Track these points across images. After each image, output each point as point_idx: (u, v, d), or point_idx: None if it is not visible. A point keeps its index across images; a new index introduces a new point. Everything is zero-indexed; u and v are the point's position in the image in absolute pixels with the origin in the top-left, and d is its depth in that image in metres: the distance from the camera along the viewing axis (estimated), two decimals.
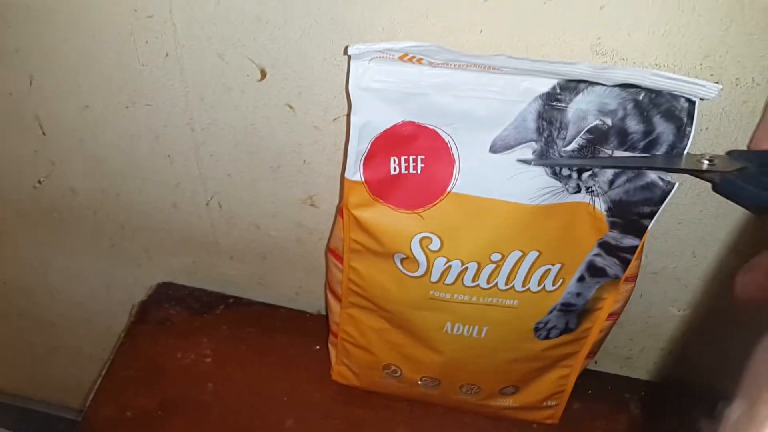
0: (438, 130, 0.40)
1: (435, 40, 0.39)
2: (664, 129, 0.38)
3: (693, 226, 0.48)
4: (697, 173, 0.37)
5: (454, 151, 0.40)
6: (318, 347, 0.61)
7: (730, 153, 0.38)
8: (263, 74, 0.46)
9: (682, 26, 0.37)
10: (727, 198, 0.37)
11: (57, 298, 0.76)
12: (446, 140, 0.40)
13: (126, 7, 0.44)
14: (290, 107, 0.48)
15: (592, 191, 0.41)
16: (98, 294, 0.73)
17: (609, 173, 0.40)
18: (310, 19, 0.42)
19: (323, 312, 0.65)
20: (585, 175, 0.40)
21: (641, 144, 0.38)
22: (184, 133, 0.52)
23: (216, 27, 0.44)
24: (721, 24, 0.37)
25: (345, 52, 0.38)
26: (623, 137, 0.38)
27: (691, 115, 0.37)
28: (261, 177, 0.54)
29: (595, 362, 0.61)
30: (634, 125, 0.38)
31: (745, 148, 0.41)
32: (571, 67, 0.36)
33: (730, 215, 0.47)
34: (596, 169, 0.40)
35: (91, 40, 0.47)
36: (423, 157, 0.41)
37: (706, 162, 0.37)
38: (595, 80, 0.36)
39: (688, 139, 0.38)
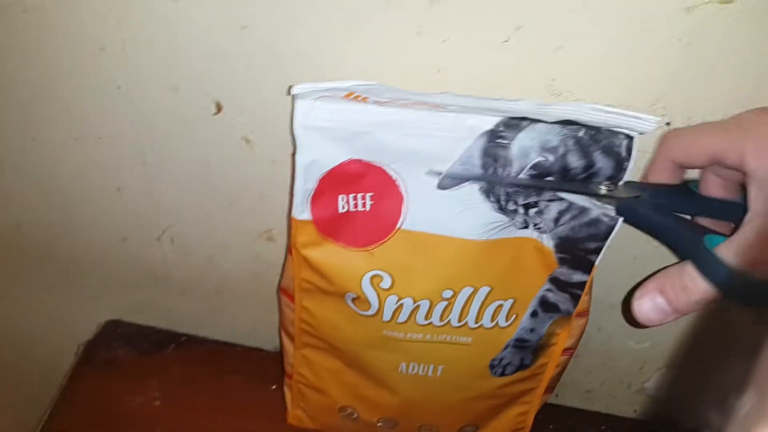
0: (386, 168, 0.40)
1: (394, 79, 0.39)
2: (603, 164, 0.39)
3: (648, 261, 0.49)
4: (597, 197, 0.39)
5: (402, 188, 0.40)
6: (274, 387, 0.59)
7: (626, 183, 0.39)
8: (219, 108, 0.45)
9: (633, 69, 0.38)
10: (626, 221, 0.39)
11: None
12: (394, 177, 0.40)
13: (79, 39, 0.43)
14: (247, 141, 0.47)
15: (539, 228, 0.41)
16: (42, 332, 0.70)
17: (554, 211, 0.40)
18: (270, 54, 0.41)
19: (280, 349, 0.63)
20: (531, 211, 0.41)
21: (582, 178, 0.39)
22: (136, 166, 0.50)
23: (170, 60, 0.43)
24: (671, 68, 0.38)
25: (289, 91, 0.37)
26: (565, 172, 0.39)
27: (629, 150, 0.38)
28: (216, 210, 0.52)
29: (556, 395, 0.61)
30: (575, 161, 0.39)
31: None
32: (514, 104, 0.36)
33: None
34: (542, 206, 0.40)
35: (42, 73, 0.46)
36: (372, 194, 0.41)
37: (604, 188, 0.39)
38: (536, 117, 0.37)
39: (625, 173, 0.39)
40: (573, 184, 0.39)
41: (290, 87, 0.36)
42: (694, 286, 0.34)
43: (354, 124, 0.38)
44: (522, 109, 0.37)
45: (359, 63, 0.41)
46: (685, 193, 0.40)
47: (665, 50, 0.37)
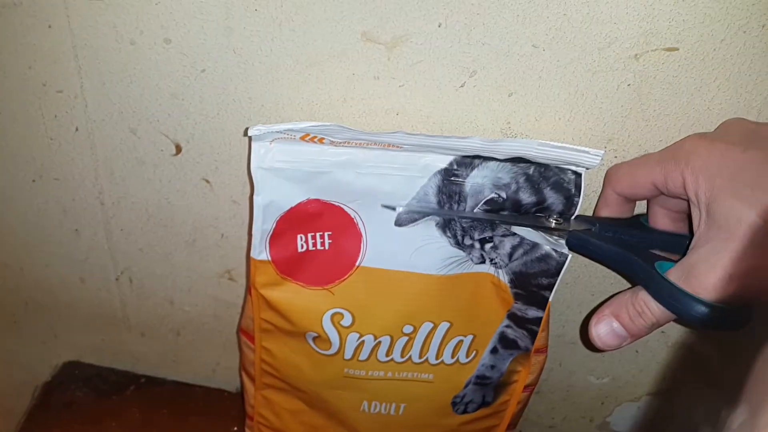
0: (344, 207, 0.40)
1: (353, 122, 0.40)
2: (554, 200, 0.40)
3: (605, 296, 0.50)
4: (546, 230, 0.40)
5: (360, 226, 0.41)
6: (236, 429, 0.58)
7: (577, 217, 0.40)
8: (178, 149, 0.45)
9: (585, 112, 0.39)
10: (576, 251, 0.40)
11: None
12: (352, 216, 0.41)
13: (34, 82, 0.43)
14: (207, 181, 0.47)
15: (495, 263, 0.42)
16: None
17: (508, 246, 0.41)
18: (227, 97, 0.42)
19: (242, 390, 0.62)
20: (487, 246, 0.41)
21: (534, 212, 0.40)
22: (94, 206, 0.50)
23: (129, 103, 0.43)
24: (621, 111, 0.39)
25: (245, 133, 0.38)
26: (517, 208, 0.40)
27: (578, 186, 0.39)
28: (175, 251, 0.52)
29: (520, 431, 0.61)
30: (526, 197, 0.40)
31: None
32: (465, 141, 0.37)
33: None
34: (497, 241, 0.41)
35: None
36: (330, 233, 0.41)
37: (554, 221, 0.40)
38: (486, 153, 0.38)
39: (575, 208, 0.40)
40: (524, 218, 0.40)
41: (246, 129, 0.37)
42: (648, 311, 0.35)
43: (310, 165, 0.39)
44: (473, 146, 0.37)
45: (316, 106, 0.41)
46: (635, 226, 0.40)
47: (615, 94, 0.38)
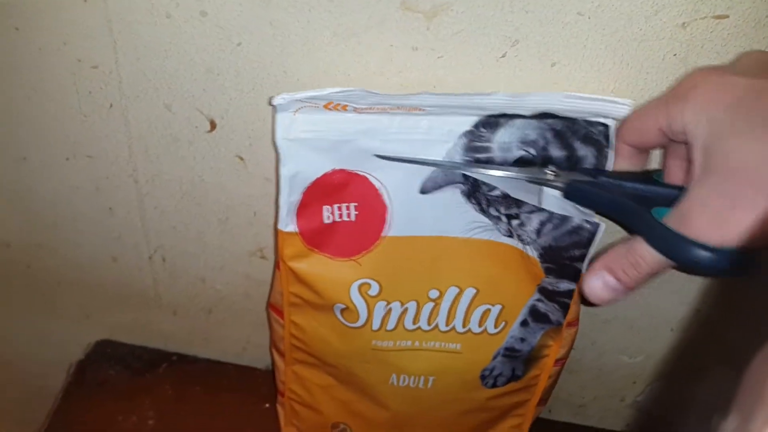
0: (368, 176, 0.40)
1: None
2: (585, 152, 0.39)
3: None
4: (543, 182, 0.39)
5: (385, 195, 0.41)
6: (267, 405, 0.59)
7: (579, 169, 0.39)
8: (213, 125, 0.45)
9: (630, 83, 0.39)
10: (575, 202, 0.39)
11: None
12: (377, 186, 0.40)
13: (69, 57, 0.43)
14: (240, 159, 0.47)
15: (522, 239, 0.42)
16: (29, 353, 0.69)
17: (535, 222, 0.41)
18: (263, 71, 0.41)
19: (272, 368, 0.63)
20: (514, 222, 0.41)
21: (567, 168, 0.40)
22: (127, 185, 0.50)
23: (164, 78, 0.43)
24: (667, 82, 0.38)
25: (269, 102, 0.37)
26: (549, 164, 0.39)
27: (608, 138, 0.39)
28: (208, 229, 0.52)
29: (549, 411, 0.61)
30: (557, 152, 0.39)
31: None
32: (489, 98, 0.37)
33: None
34: (524, 218, 0.41)
35: (32, 92, 0.45)
36: (356, 204, 0.41)
37: (550, 173, 0.39)
38: (511, 109, 0.38)
39: (607, 160, 0.39)
40: (520, 171, 0.39)
41: (271, 98, 0.36)
42: (643, 261, 0.33)
43: (334, 134, 0.39)
44: (498, 102, 0.37)
45: (352, 79, 0.41)
46: (644, 181, 0.38)
47: (661, 65, 0.38)
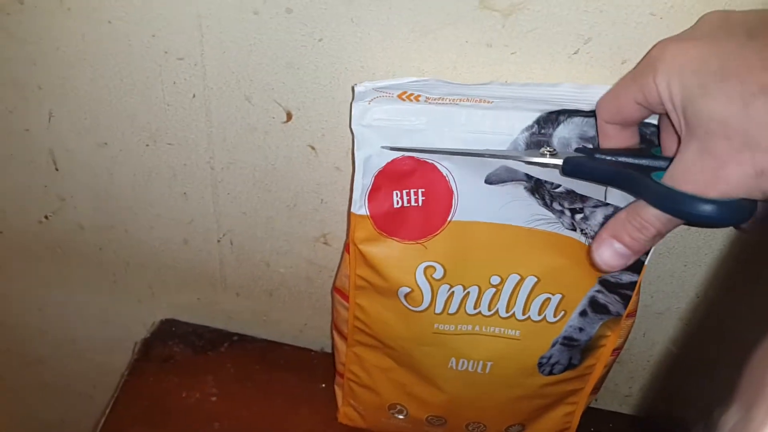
0: (436, 164, 0.42)
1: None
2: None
3: (698, 268, 0.50)
4: (542, 165, 0.40)
5: (452, 183, 0.43)
6: (324, 385, 0.61)
7: (576, 149, 0.40)
8: (289, 116, 0.47)
9: None
10: (573, 176, 0.39)
11: (49, 335, 0.75)
12: (444, 174, 0.42)
13: (157, 49, 0.45)
14: (312, 148, 0.49)
15: (586, 233, 0.43)
16: (94, 331, 0.72)
17: (600, 216, 0.42)
18: (341, 66, 0.43)
19: (327, 350, 0.65)
20: (577, 216, 0.42)
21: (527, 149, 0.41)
22: (204, 171, 0.52)
23: (246, 72, 0.45)
24: None
25: (352, 89, 0.40)
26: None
27: (657, 133, 0.39)
28: (276, 215, 0.54)
29: (596, 400, 0.62)
30: None
31: None
32: (555, 90, 0.39)
33: (732, 257, 0.49)
34: (588, 212, 0.42)
35: (118, 81, 0.48)
36: (423, 190, 0.43)
37: (547, 152, 0.39)
38: (574, 102, 0.39)
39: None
40: (517, 154, 0.41)
41: (354, 85, 0.39)
42: (648, 222, 0.34)
43: (405, 124, 0.41)
44: (563, 94, 0.39)
45: (426, 74, 0.43)
46: (641, 155, 0.38)
47: None
